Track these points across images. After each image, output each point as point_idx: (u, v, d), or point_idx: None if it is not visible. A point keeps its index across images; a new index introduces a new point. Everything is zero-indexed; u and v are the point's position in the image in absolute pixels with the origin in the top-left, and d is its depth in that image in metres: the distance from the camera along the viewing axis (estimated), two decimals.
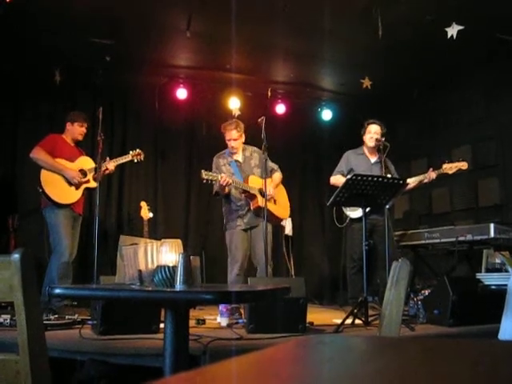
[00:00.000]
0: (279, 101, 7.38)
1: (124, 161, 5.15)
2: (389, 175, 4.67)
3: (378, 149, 4.95)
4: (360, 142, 5.33)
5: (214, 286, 2.72)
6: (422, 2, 5.00)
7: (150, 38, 5.71)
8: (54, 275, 4.55)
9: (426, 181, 5.13)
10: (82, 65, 6.12)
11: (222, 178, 4.61)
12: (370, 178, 3.96)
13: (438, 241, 5.55)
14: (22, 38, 5.50)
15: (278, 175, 5.09)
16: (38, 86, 6.23)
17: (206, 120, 7.14)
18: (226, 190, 4.81)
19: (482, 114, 6.41)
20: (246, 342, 3.08)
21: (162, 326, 3.05)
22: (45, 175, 4.67)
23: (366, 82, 6.39)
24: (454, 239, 5.26)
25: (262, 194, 4.75)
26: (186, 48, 6.14)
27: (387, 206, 4.58)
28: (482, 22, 5.14)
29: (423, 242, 5.74)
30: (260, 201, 4.74)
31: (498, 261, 4.66)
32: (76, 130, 4.99)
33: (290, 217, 5.95)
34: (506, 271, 4.31)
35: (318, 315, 4.60)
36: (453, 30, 5.07)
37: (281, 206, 5.05)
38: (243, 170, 4.95)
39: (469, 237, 5.18)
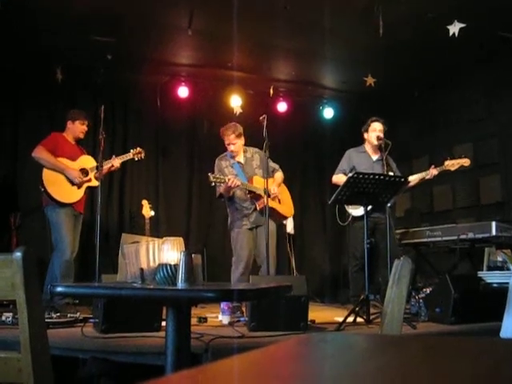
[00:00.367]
0: (281, 99, 7.38)
1: (125, 159, 5.16)
2: (390, 173, 4.66)
3: (379, 147, 4.94)
4: (362, 140, 5.32)
5: (216, 284, 2.72)
6: (423, 1, 4.99)
7: (151, 36, 5.71)
8: (56, 273, 4.56)
9: (427, 177, 5.12)
10: (82, 63, 6.12)
11: (229, 180, 4.63)
12: (371, 176, 3.96)
13: (439, 239, 5.54)
14: (23, 37, 5.50)
15: (279, 174, 5.13)
16: (38, 85, 6.23)
17: (208, 118, 7.14)
18: (231, 192, 4.83)
19: (483, 112, 6.40)
20: (247, 340, 3.08)
21: (163, 324, 3.05)
22: (47, 174, 4.68)
23: (370, 80, 6.39)
24: (455, 237, 5.26)
25: (269, 195, 4.82)
26: (187, 46, 6.13)
27: (389, 204, 4.57)
28: (483, 20, 5.13)
29: (425, 240, 5.73)
30: (266, 200, 4.78)
31: (499, 259, 4.65)
32: (77, 129, 4.99)
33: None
34: (508, 269, 4.30)
35: (319, 313, 4.60)
36: (454, 28, 5.06)
37: (285, 205, 5.11)
38: (246, 171, 4.97)
39: (470, 235, 5.17)
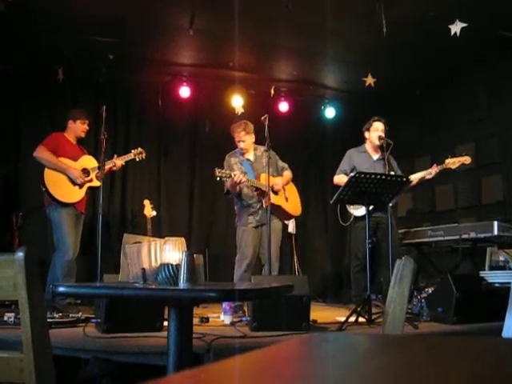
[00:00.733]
0: (282, 99, 7.38)
1: (126, 159, 5.16)
2: (392, 173, 4.65)
3: (380, 146, 4.94)
4: (362, 140, 5.32)
5: (218, 283, 2.72)
6: (423, 1, 4.99)
7: (152, 36, 5.71)
8: (58, 273, 4.56)
9: (428, 177, 5.11)
10: (84, 63, 6.13)
11: (235, 175, 4.64)
12: (373, 176, 3.95)
13: (441, 238, 5.53)
14: (24, 37, 5.51)
15: (288, 173, 5.14)
16: (40, 85, 6.23)
17: (209, 118, 7.15)
18: (237, 188, 4.83)
19: (484, 112, 6.39)
20: (249, 339, 3.08)
21: (165, 324, 3.05)
22: (48, 174, 4.68)
23: (369, 80, 6.39)
24: (457, 237, 5.25)
25: (274, 191, 4.81)
26: (188, 46, 6.13)
27: (391, 204, 4.57)
28: (483, 20, 5.12)
29: (427, 239, 5.73)
30: (272, 198, 4.78)
31: (501, 258, 4.64)
32: (79, 128, 4.99)
33: None
34: (510, 269, 4.30)
35: (321, 313, 4.61)
36: (456, 28, 5.05)
37: (293, 203, 5.09)
38: (255, 168, 4.96)
39: (472, 234, 5.16)
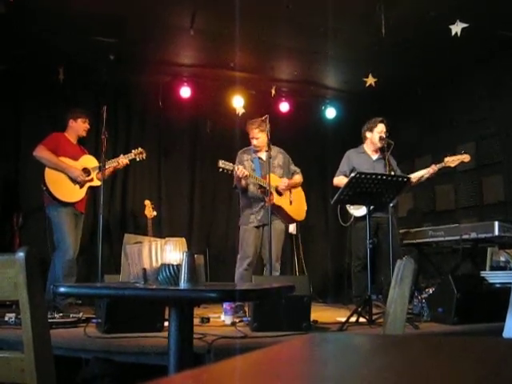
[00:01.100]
0: (283, 99, 7.37)
1: (129, 158, 5.16)
2: (392, 173, 4.65)
3: (381, 147, 4.94)
4: (361, 140, 5.31)
5: (219, 284, 2.72)
6: (424, 1, 4.98)
7: (153, 37, 5.71)
8: (59, 273, 4.56)
9: (427, 176, 5.10)
10: (85, 64, 6.13)
11: (238, 168, 4.64)
12: (373, 176, 3.95)
13: (442, 239, 5.53)
14: (24, 37, 5.51)
15: (298, 177, 5.14)
16: (40, 85, 6.23)
17: (210, 118, 7.15)
18: (243, 182, 4.82)
19: (485, 112, 6.38)
20: (250, 340, 3.08)
21: (166, 324, 3.05)
22: (49, 173, 4.68)
23: (370, 80, 6.38)
24: (458, 237, 5.24)
25: (279, 192, 4.80)
26: (189, 46, 6.13)
27: (391, 204, 4.57)
28: (483, 20, 5.12)
29: (427, 240, 5.72)
30: (275, 198, 4.77)
31: (502, 259, 4.65)
32: (80, 127, 4.99)
33: None
34: (511, 269, 4.30)
35: (322, 313, 4.60)
36: (457, 28, 5.05)
37: (296, 208, 5.06)
38: (265, 167, 4.96)
39: (473, 235, 5.16)
